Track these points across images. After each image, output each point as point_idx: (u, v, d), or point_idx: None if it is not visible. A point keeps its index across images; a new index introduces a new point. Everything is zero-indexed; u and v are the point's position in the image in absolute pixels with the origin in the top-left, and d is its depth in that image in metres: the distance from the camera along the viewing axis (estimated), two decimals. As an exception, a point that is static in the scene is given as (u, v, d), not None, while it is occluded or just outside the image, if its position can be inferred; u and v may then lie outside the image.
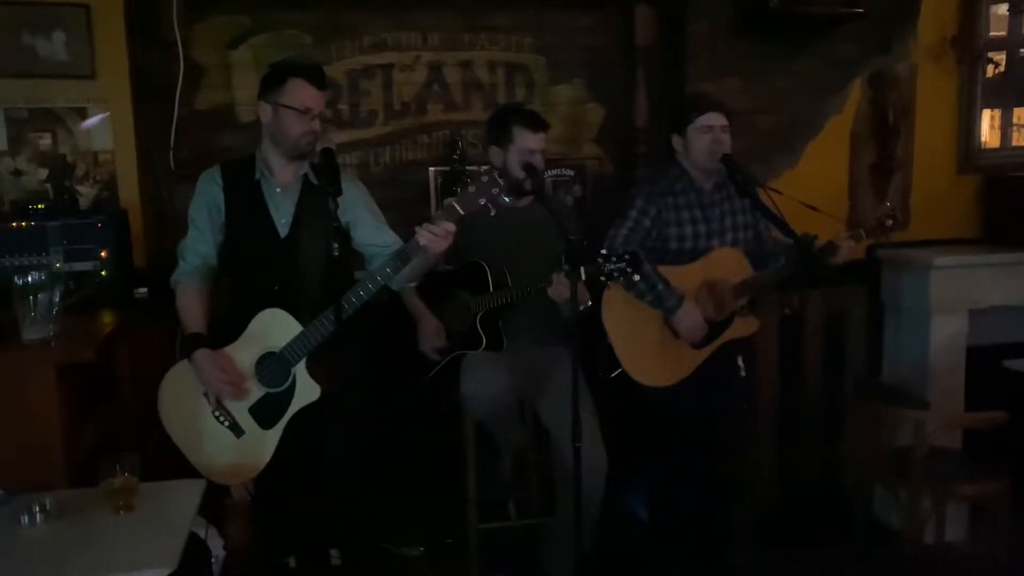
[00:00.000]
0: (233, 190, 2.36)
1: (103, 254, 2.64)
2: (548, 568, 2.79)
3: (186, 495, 1.97)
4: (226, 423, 2.32)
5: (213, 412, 2.32)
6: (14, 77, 2.80)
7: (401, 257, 2.18)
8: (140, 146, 2.93)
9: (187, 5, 2.93)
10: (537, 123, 2.71)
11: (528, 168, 2.61)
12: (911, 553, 2.91)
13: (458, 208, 2.10)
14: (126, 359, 2.55)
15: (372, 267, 2.35)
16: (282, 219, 2.35)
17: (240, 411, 2.31)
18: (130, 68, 2.88)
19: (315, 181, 2.35)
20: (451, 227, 2.10)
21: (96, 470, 1.90)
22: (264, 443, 2.30)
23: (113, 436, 2.40)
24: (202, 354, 2.27)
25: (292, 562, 2.95)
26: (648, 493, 3.10)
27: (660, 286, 2.61)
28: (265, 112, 2.30)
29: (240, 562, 2.53)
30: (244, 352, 2.30)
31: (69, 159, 2.88)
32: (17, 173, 2.85)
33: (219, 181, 2.36)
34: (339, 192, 2.07)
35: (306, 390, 2.27)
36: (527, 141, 2.66)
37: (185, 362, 2.31)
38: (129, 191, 2.92)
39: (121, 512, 1.87)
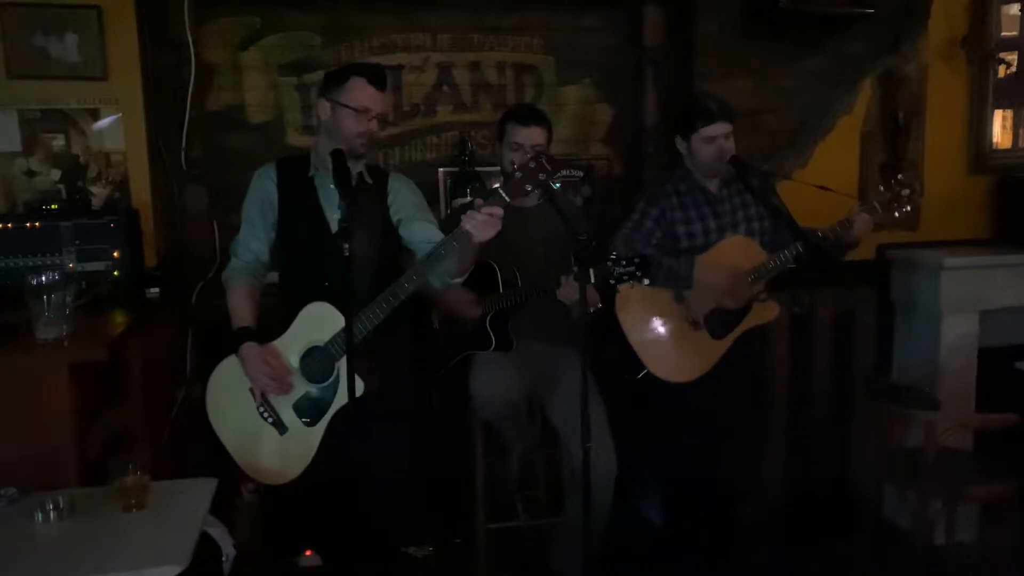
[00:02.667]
0: (287, 187, 2.36)
1: (115, 254, 2.65)
2: (557, 568, 2.79)
3: (197, 493, 1.98)
4: (270, 419, 2.30)
5: (258, 408, 2.30)
6: (27, 78, 2.81)
7: (444, 247, 2.11)
8: (152, 147, 2.94)
9: (198, 6, 2.95)
10: (528, 118, 2.68)
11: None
12: (921, 554, 2.90)
13: (503, 195, 2.02)
14: (138, 358, 2.56)
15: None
16: (334, 214, 2.31)
17: (284, 407, 2.29)
18: (142, 69, 2.89)
19: (369, 180, 2.36)
20: (498, 211, 2.00)
21: (108, 468, 1.91)
22: (307, 441, 2.26)
23: (125, 435, 2.42)
24: (248, 347, 2.26)
25: (301, 561, 2.97)
26: (659, 495, 3.10)
27: (667, 259, 2.61)
28: (324, 109, 2.30)
29: (251, 560, 2.54)
30: (290, 346, 2.28)
31: (82, 160, 2.90)
32: (30, 174, 2.87)
33: (274, 178, 2.37)
34: (346, 194, 2.06)
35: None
36: (515, 135, 2.66)
37: (233, 357, 2.30)
38: (141, 191, 2.93)
39: (133, 510, 1.89)
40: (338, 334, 2.20)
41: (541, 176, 2.01)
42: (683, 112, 2.81)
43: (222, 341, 2.36)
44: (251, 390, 2.30)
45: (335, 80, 2.30)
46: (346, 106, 2.25)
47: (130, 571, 1.66)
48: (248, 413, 2.31)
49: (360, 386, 2.14)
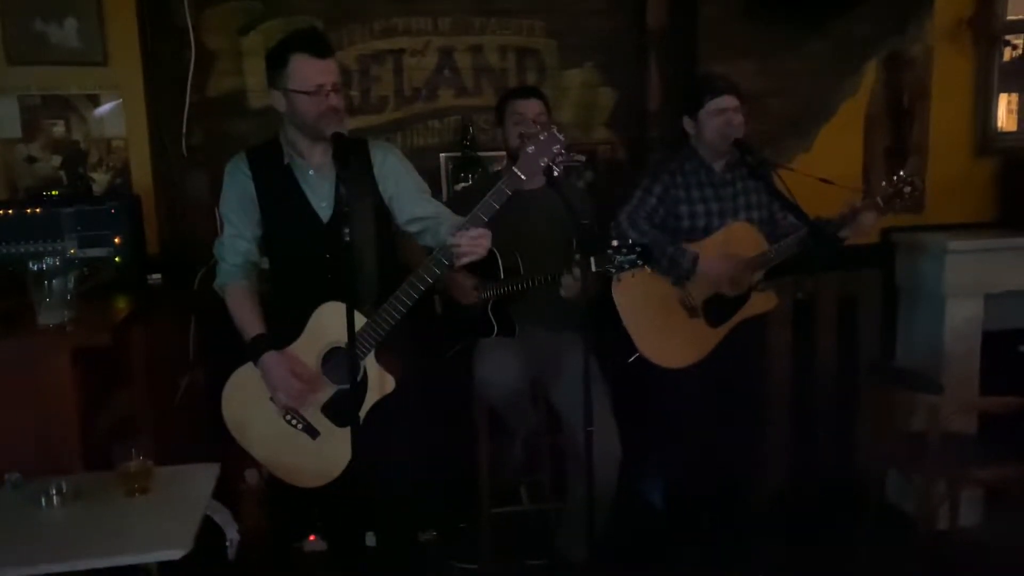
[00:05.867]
0: (264, 178, 2.19)
1: (117, 240, 2.65)
2: (560, 553, 2.80)
3: (201, 479, 1.99)
4: (299, 426, 2.20)
5: (284, 416, 2.20)
6: (27, 64, 2.81)
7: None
8: (152, 133, 2.94)
9: (198, -9, 2.94)
10: (526, 91, 2.78)
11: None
12: (925, 538, 2.90)
13: (518, 173, 1.95)
14: (140, 344, 2.56)
15: (424, 240, 2.21)
16: (322, 203, 2.18)
17: (312, 412, 2.19)
18: (142, 55, 2.88)
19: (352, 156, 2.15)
20: (487, 232, 1.98)
21: (111, 454, 1.92)
22: (343, 441, 2.13)
23: (128, 420, 2.42)
24: (271, 358, 2.13)
25: (306, 545, 2.98)
26: (663, 479, 3.10)
27: (671, 249, 2.60)
28: (278, 101, 2.12)
29: (255, 545, 2.55)
30: (308, 350, 2.17)
31: (82, 146, 2.90)
32: (31, 160, 2.87)
33: (247, 170, 2.19)
34: (348, 177, 1.99)
35: (379, 382, 2.14)
36: (516, 107, 2.70)
37: (248, 366, 2.18)
38: (142, 177, 2.93)
39: (136, 495, 1.90)
40: (360, 332, 2.07)
41: (555, 148, 1.94)
42: (691, 88, 2.81)
43: (226, 328, 2.26)
44: (272, 398, 2.19)
45: (276, 65, 2.10)
46: (297, 91, 2.06)
47: (133, 555, 1.67)
48: (274, 423, 2.21)
49: (390, 381, 2.11)
